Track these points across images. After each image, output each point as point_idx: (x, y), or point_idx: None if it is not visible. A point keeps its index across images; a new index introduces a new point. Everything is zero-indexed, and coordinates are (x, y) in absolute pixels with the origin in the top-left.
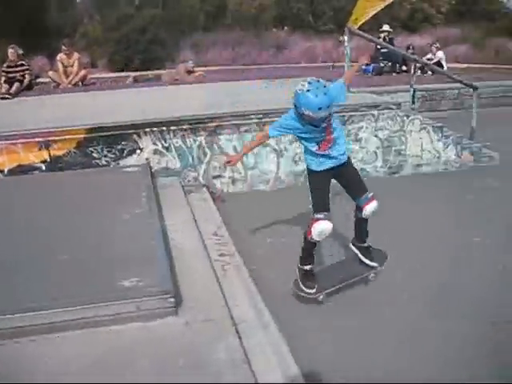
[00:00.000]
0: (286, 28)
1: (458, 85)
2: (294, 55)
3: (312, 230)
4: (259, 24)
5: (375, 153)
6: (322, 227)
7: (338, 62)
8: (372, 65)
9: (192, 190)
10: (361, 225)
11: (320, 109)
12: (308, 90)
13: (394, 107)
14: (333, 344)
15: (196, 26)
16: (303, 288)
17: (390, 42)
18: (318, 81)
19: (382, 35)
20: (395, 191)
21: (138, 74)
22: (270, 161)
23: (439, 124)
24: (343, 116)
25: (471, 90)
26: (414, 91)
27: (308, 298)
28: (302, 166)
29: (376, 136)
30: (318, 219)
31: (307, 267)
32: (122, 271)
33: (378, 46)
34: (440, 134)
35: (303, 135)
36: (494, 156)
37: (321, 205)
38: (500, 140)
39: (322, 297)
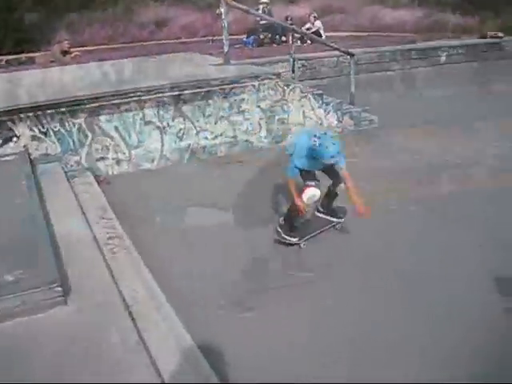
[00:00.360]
0: (165, 1)
1: (337, 53)
2: (174, 31)
3: (304, 194)
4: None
5: (259, 123)
6: (312, 192)
7: (217, 35)
8: (252, 37)
9: (75, 174)
10: (332, 198)
11: (333, 157)
12: (320, 144)
13: (274, 77)
14: (231, 321)
15: (70, 4)
16: (287, 237)
17: (269, 13)
18: (325, 133)
19: (261, 7)
20: (280, 160)
21: (10, 57)
22: (153, 138)
23: (319, 91)
24: (224, 89)
25: (349, 57)
26: (294, 61)
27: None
28: (186, 142)
29: (258, 107)
30: (309, 185)
31: (293, 223)
32: (3, 265)
33: (258, 18)
34: (320, 101)
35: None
36: (373, 119)
37: (311, 176)
38: (378, 103)
39: (303, 244)
